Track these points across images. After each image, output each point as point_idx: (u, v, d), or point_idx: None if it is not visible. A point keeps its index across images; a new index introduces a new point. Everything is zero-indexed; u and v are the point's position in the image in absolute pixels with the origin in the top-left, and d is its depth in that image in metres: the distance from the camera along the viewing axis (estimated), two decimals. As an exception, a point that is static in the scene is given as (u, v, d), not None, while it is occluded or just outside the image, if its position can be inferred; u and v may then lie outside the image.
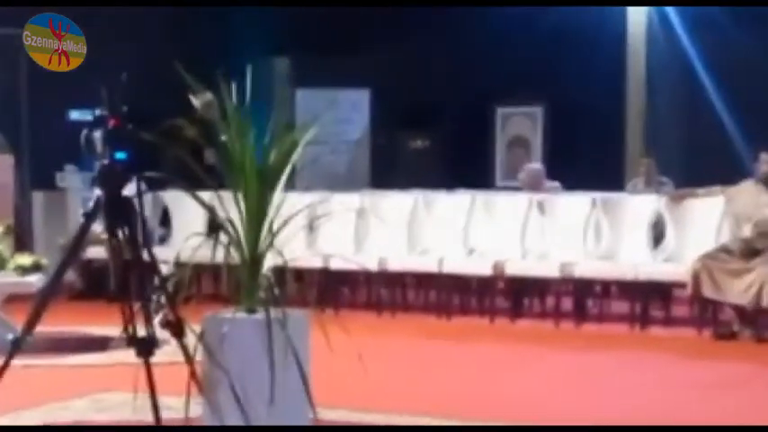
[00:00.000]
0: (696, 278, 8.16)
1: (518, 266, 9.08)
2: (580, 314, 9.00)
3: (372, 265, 9.18)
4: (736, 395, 6.33)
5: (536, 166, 11.39)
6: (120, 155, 4.52)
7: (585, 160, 12.58)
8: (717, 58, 12.91)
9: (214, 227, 4.55)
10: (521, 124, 14.42)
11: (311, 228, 9.35)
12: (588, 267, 8.88)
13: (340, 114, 14.45)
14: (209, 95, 4.39)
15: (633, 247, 9.03)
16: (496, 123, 14.52)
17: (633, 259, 8.85)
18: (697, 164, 12.20)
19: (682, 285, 8.45)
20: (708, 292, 8.16)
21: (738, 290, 8.03)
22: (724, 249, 8.32)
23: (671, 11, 13.30)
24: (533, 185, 10.55)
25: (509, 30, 12.87)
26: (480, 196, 9.95)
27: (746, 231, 8.33)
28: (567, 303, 9.19)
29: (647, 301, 8.77)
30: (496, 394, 6.28)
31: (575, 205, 9.47)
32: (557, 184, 10.73)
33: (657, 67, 13.15)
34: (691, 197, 9.06)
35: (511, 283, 9.34)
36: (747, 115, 12.53)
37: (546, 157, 13.57)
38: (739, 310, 8.14)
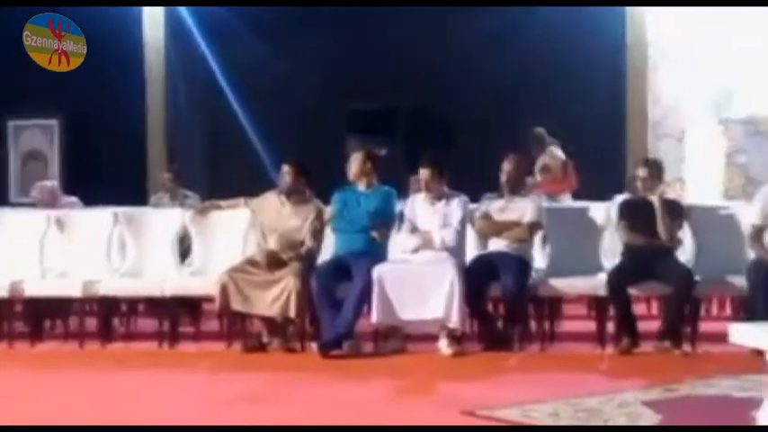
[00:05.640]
0: (224, 291, 8.35)
1: (37, 287, 8.86)
2: (106, 333, 8.92)
3: None
4: (267, 405, 6.53)
5: (48, 183, 11.21)
6: None
7: (107, 174, 12.53)
8: (237, 68, 13.30)
9: None
10: (35, 137, 14.06)
11: None
12: (113, 285, 8.83)
13: None
14: None
15: (159, 262, 9.10)
16: (9, 136, 14.06)
17: (160, 275, 8.89)
18: (221, 176, 12.52)
19: (210, 299, 8.62)
20: (236, 304, 8.38)
21: (266, 301, 8.31)
22: (251, 261, 8.57)
23: (187, 16, 13.50)
24: (49, 203, 10.40)
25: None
26: (-8, 214, 9.64)
27: (272, 243, 8.65)
28: (93, 323, 9.08)
29: (175, 317, 8.85)
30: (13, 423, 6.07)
31: (96, 221, 9.39)
32: (74, 199, 10.62)
33: (178, 77, 13.32)
34: (216, 210, 9.27)
35: (30, 304, 9.08)
36: (270, 126, 13.02)
37: (64, 171, 13.35)
38: (268, 322, 8.43)
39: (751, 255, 8.21)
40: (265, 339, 8.47)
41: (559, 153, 11.16)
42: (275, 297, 8.29)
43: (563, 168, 11.12)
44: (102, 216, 9.41)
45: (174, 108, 13.43)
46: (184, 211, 9.41)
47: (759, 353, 5.26)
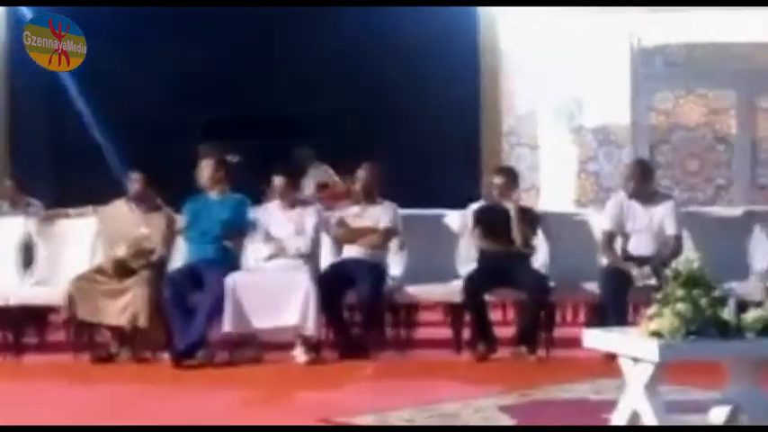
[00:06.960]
0: (71, 301, 8.25)
1: None
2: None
3: None
4: (116, 418, 6.46)
5: None
6: None
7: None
8: (85, 71, 13.07)
9: None
10: None
11: None
12: (-49, 295, 8.64)
13: None
14: None
15: (2, 272, 8.93)
16: None
17: (2, 285, 8.73)
18: (66, 183, 12.29)
19: (56, 310, 8.50)
20: (84, 314, 8.28)
21: (115, 310, 8.23)
22: (98, 270, 8.48)
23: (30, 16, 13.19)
24: None
25: None
26: None
27: (121, 251, 8.56)
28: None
29: (19, 329, 8.68)
30: None
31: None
32: None
33: (20, 80, 12.99)
34: (62, 218, 9.14)
35: None
36: (120, 132, 12.85)
37: None
38: (117, 331, 8.34)
39: (603, 261, 8.45)
40: (114, 350, 8.39)
41: (330, 172, 11.15)
42: (124, 306, 8.22)
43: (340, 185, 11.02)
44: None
45: (15, 112, 13.13)
46: (27, 220, 9.25)
47: (611, 357, 5.43)
